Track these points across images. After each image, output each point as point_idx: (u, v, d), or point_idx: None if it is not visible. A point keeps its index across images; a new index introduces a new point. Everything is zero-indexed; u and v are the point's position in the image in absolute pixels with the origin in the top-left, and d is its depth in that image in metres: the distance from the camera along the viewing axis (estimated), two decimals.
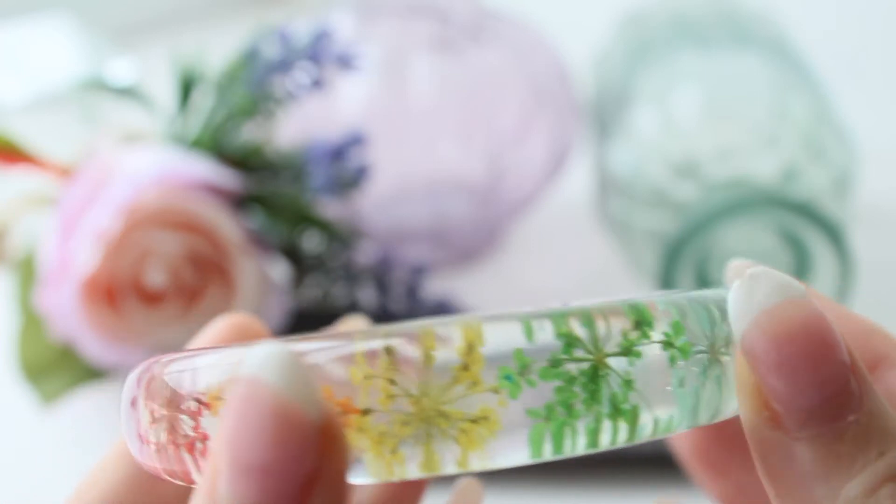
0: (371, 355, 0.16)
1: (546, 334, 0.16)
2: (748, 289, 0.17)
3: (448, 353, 0.16)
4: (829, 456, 0.16)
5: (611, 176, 0.45)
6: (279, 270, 0.43)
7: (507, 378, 0.15)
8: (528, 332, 0.16)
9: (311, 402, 0.15)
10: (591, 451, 0.16)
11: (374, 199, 0.46)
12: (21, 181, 0.42)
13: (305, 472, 0.15)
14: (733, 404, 0.17)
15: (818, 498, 0.16)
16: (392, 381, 0.16)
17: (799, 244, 0.40)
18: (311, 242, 0.43)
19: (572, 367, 0.16)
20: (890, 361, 0.22)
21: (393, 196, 0.47)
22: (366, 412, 0.16)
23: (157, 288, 0.39)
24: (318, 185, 0.41)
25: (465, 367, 0.16)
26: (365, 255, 0.44)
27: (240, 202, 0.41)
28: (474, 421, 0.16)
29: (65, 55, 0.61)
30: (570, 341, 0.16)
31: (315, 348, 0.16)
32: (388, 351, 0.16)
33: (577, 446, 0.16)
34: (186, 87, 0.43)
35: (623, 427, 0.16)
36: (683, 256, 0.40)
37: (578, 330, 0.16)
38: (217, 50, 0.45)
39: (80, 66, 0.60)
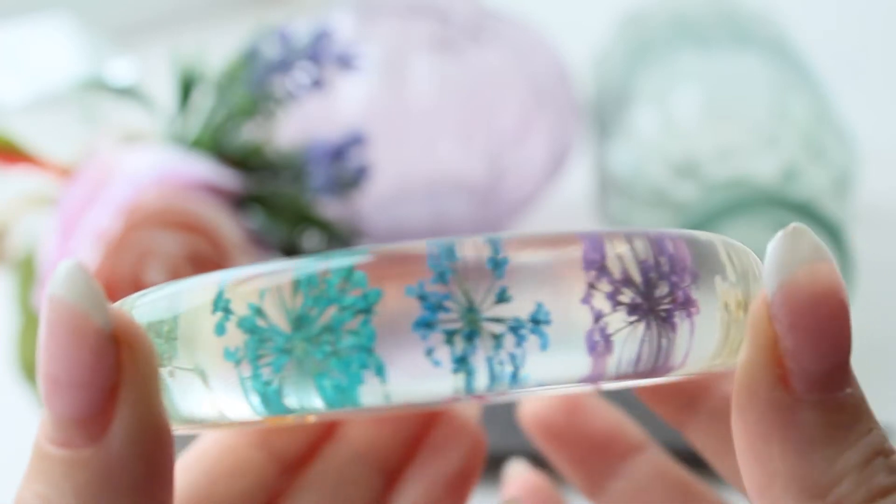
0: None
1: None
2: (793, 243, 0.17)
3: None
4: (830, 423, 0.16)
5: (611, 176, 0.45)
6: None
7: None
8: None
9: (98, 311, 0.16)
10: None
11: (374, 199, 0.46)
12: (21, 181, 0.42)
13: (104, 380, 0.16)
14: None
15: (815, 461, 0.16)
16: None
17: None
18: (311, 242, 0.43)
19: (163, 329, 0.18)
20: (644, 446, 0.25)
21: (393, 196, 0.47)
22: None
23: None
24: (318, 185, 0.41)
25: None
26: None
27: (240, 202, 0.41)
28: None
29: (65, 55, 0.61)
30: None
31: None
32: None
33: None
34: (186, 87, 0.43)
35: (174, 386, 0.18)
36: None
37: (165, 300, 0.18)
38: (217, 50, 0.45)
39: (80, 66, 0.60)
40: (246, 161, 0.42)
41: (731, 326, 0.17)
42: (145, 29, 0.80)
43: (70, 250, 0.38)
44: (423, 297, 0.16)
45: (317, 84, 0.41)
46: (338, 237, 0.43)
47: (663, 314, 0.16)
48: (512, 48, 0.48)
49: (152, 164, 0.39)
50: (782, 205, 0.39)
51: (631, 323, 0.16)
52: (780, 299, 0.16)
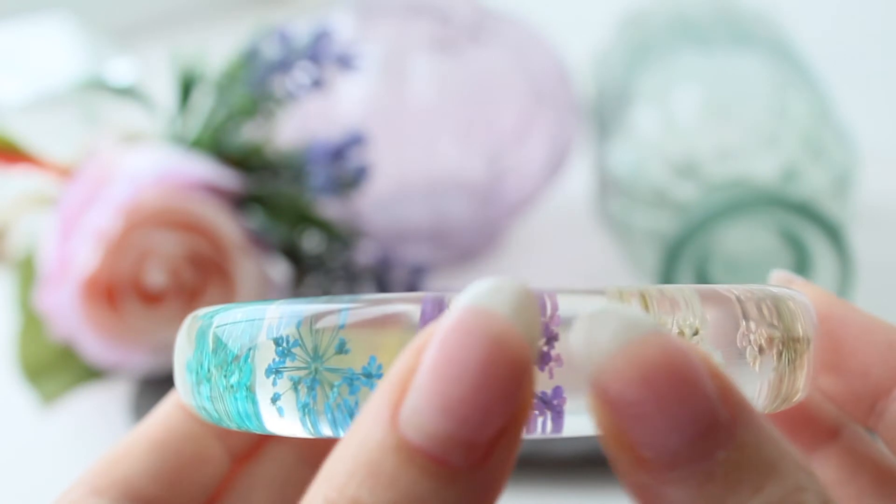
0: None
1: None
2: (589, 331, 0.15)
3: None
4: (699, 497, 0.15)
5: (611, 176, 0.45)
6: (279, 270, 0.43)
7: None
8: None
9: (534, 342, 0.15)
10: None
11: (374, 199, 0.46)
12: (21, 181, 0.43)
13: (507, 415, 0.14)
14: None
15: None
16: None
17: (799, 244, 0.40)
18: (311, 242, 0.43)
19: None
20: (838, 431, 0.22)
21: (393, 196, 0.47)
22: None
23: (157, 288, 0.39)
24: (318, 185, 0.41)
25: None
26: (365, 254, 0.44)
27: (240, 202, 0.41)
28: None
29: (65, 55, 0.61)
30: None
31: None
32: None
33: None
34: (186, 87, 0.43)
35: None
36: (683, 256, 0.40)
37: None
38: (217, 50, 0.45)
39: (80, 66, 0.60)
40: (246, 161, 0.42)
41: None
42: (145, 29, 0.80)
43: (70, 250, 0.38)
44: (277, 342, 0.17)
45: (317, 84, 0.41)
46: (338, 237, 0.43)
47: None
48: (512, 48, 0.48)
49: (152, 164, 0.39)
50: (782, 205, 0.39)
51: None
52: (598, 393, 0.15)
